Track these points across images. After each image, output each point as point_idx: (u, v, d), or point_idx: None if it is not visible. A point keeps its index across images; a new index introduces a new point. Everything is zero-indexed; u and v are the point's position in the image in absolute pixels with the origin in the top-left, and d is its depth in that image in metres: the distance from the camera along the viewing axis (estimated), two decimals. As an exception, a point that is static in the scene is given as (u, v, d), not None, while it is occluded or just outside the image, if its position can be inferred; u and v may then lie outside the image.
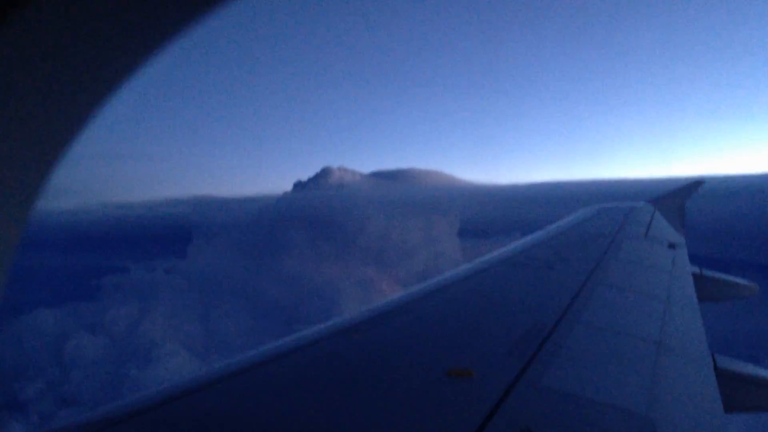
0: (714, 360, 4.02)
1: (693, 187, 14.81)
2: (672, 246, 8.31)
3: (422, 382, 3.03)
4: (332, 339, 3.80)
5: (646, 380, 3.35)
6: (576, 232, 9.13)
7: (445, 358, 3.37)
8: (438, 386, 2.96)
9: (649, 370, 3.53)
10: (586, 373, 3.34)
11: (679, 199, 13.67)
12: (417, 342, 3.80)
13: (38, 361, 54.27)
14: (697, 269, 7.43)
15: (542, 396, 2.91)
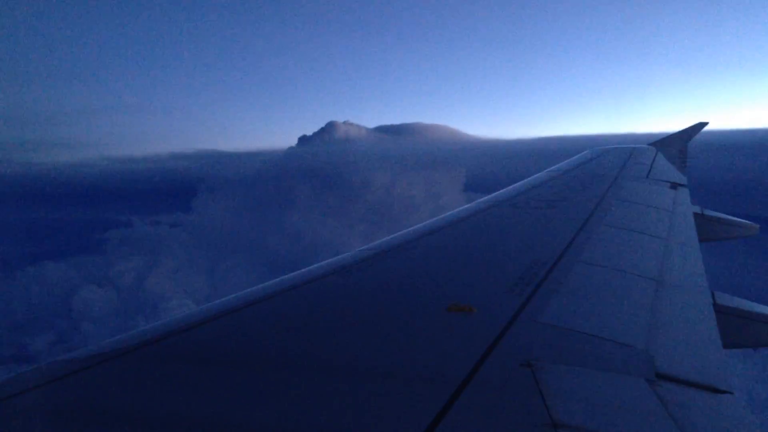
0: (713, 297, 4.01)
1: (696, 129, 14.53)
2: (674, 186, 8.26)
3: (423, 317, 3.02)
4: (335, 275, 3.80)
5: (646, 316, 3.33)
6: (578, 173, 9.05)
7: (446, 294, 3.36)
8: (439, 321, 2.95)
9: (648, 306, 3.51)
10: (585, 309, 3.32)
11: (682, 140, 13.50)
12: (418, 278, 3.79)
13: (47, 314, 54.88)
14: (698, 209, 7.39)
15: (542, 331, 2.89)
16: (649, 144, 13.37)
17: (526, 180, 8.33)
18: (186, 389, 2.24)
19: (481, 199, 6.64)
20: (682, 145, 12.91)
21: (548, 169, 9.46)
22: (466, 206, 6.28)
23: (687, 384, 2.56)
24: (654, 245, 5.02)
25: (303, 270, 3.95)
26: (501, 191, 7.23)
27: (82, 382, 2.33)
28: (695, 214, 6.78)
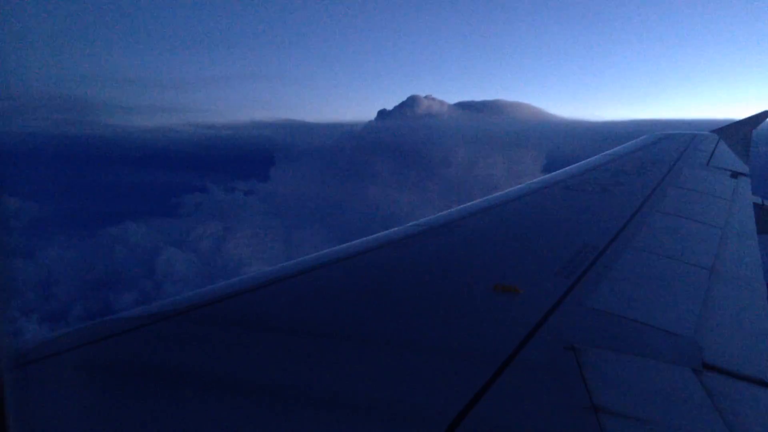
0: None
1: (761, 117, 13.96)
2: (734, 175, 7.98)
3: (469, 295, 3.04)
4: (387, 248, 3.87)
5: (696, 305, 3.26)
6: (635, 158, 8.85)
7: (493, 274, 3.38)
8: (484, 300, 2.96)
9: (699, 295, 3.43)
10: (634, 295, 3.27)
11: (746, 128, 12.97)
12: (467, 256, 3.82)
13: (130, 273, 57.14)
14: (759, 200, 7.14)
15: (588, 315, 2.88)
16: (711, 131, 12.91)
17: (581, 162, 8.21)
18: (233, 352, 2.29)
19: (534, 180, 6.57)
20: (745, 133, 12.38)
21: (605, 153, 9.27)
22: (518, 186, 6.22)
23: (736, 377, 2.51)
24: (709, 234, 4.87)
25: (354, 242, 4.04)
26: (555, 172, 7.14)
27: (130, 341, 2.41)
28: (755, 205, 6.59)
